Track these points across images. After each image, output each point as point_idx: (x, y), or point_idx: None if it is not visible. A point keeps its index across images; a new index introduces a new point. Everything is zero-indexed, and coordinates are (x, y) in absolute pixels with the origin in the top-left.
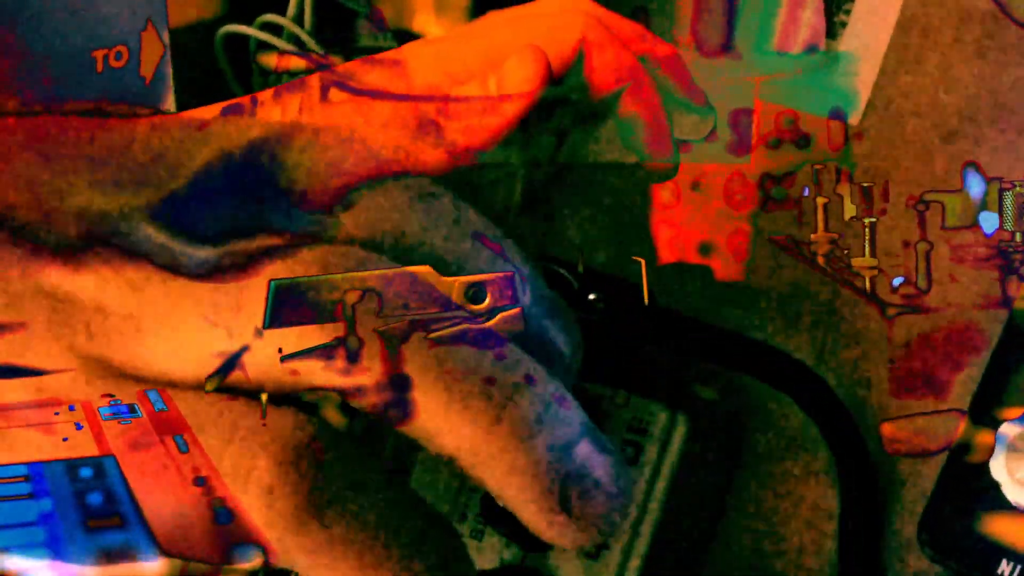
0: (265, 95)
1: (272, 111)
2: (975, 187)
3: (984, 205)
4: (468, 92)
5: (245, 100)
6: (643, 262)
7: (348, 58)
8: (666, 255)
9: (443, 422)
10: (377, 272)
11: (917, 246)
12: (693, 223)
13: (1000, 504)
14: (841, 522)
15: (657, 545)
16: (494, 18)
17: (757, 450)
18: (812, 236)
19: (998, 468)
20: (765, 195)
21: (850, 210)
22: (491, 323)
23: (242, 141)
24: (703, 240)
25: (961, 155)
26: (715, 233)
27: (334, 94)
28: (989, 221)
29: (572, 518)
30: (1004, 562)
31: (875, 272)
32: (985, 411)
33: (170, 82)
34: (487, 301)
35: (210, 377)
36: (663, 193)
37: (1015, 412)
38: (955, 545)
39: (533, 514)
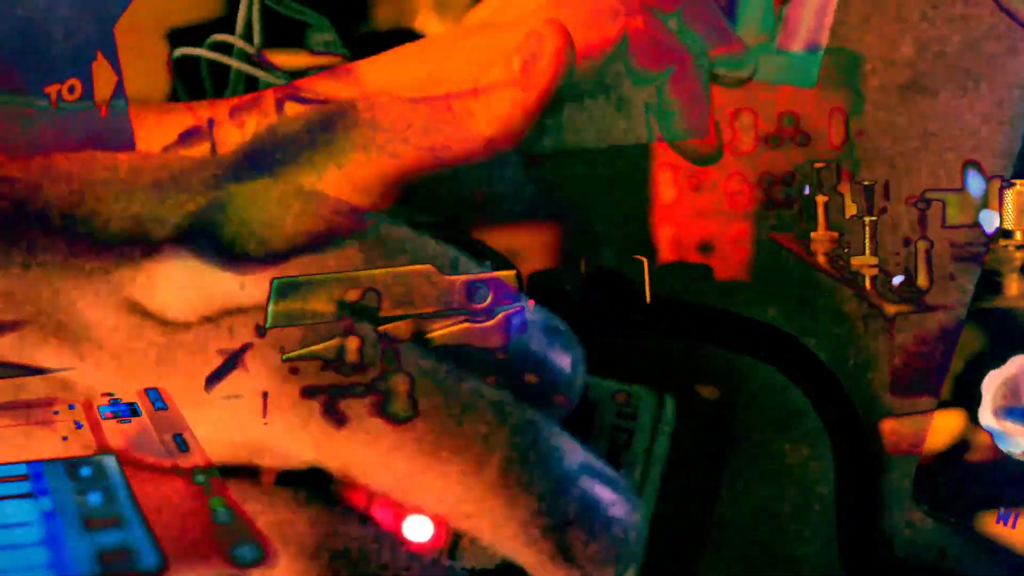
0: (221, 115)
1: (229, 132)
2: (975, 185)
3: (985, 203)
4: (491, 78)
5: (202, 123)
6: (644, 261)
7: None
8: (666, 254)
9: (424, 477)
10: (378, 271)
11: (918, 244)
12: (693, 222)
13: (992, 453)
14: (837, 486)
15: (656, 529)
16: (461, 29)
17: (744, 423)
18: (813, 235)
19: (987, 418)
20: (765, 194)
21: (851, 208)
22: (492, 322)
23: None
24: (703, 239)
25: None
26: (715, 232)
27: (290, 107)
28: (989, 219)
29: (576, 565)
30: (1002, 510)
31: (876, 271)
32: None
33: (127, 110)
34: (489, 299)
35: (209, 378)
36: (663, 192)
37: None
38: (951, 498)
39: (533, 565)
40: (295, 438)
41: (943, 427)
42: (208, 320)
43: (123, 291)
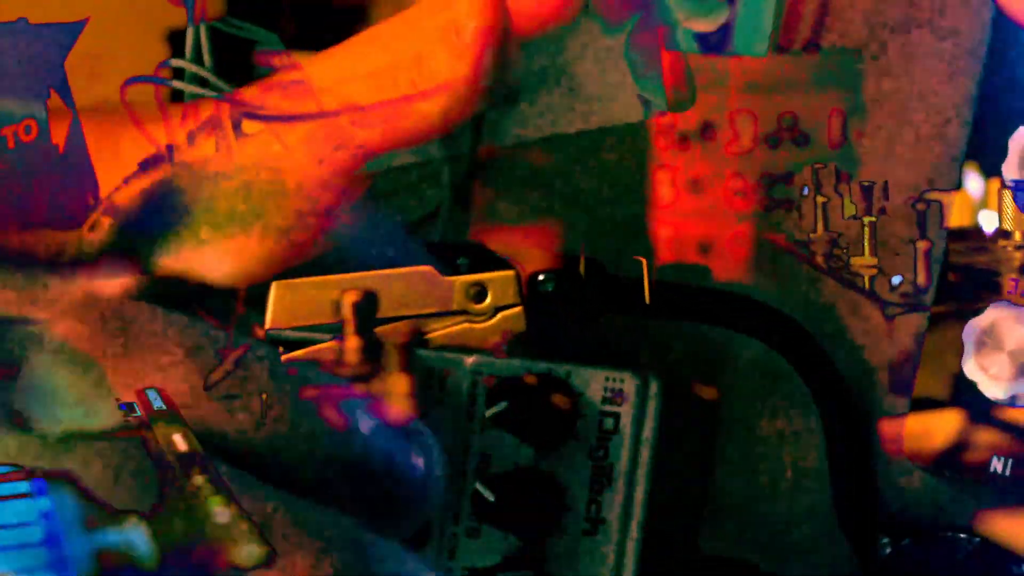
0: (180, 140)
1: (189, 156)
2: (974, 186)
3: (983, 204)
4: (431, 49)
5: (161, 149)
6: (644, 261)
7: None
8: (665, 254)
9: None
10: (377, 272)
11: (917, 245)
12: (692, 222)
13: (980, 402)
14: (829, 450)
15: (654, 510)
16: (396, 20)
17: (730, 398)
18: (812, 235)
19: (971, 367)
20: (765, 194)
21: (849, 209)
22: (491, 322)
23: None
24: (702, 239)
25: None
26: (714, 233)
27: (247, 126)
28: (988, 220)
29: None
30: (995, 459)
31: (875, 271)
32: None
33: (85, 146)
34: (488, 300)
35: (208, 381)
36: (662, 191)
37: None
38: (943, 452)
39: None
40: None
41: (942, 427)
42: None
43: None
